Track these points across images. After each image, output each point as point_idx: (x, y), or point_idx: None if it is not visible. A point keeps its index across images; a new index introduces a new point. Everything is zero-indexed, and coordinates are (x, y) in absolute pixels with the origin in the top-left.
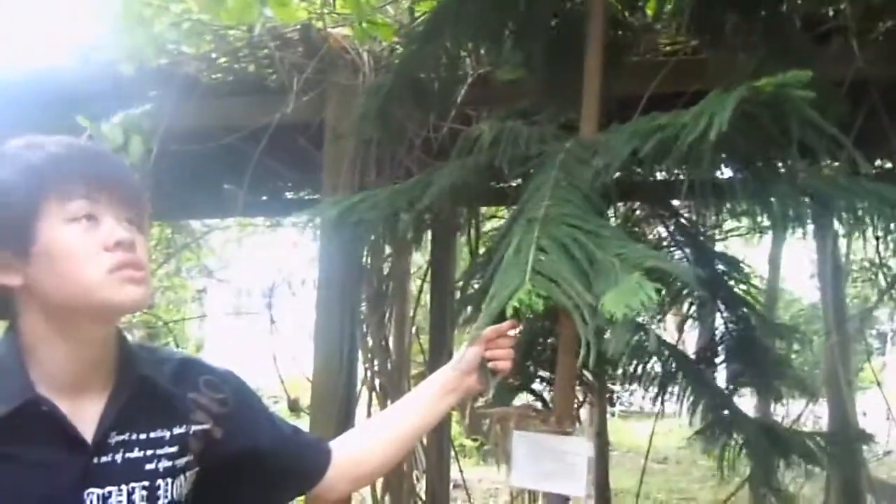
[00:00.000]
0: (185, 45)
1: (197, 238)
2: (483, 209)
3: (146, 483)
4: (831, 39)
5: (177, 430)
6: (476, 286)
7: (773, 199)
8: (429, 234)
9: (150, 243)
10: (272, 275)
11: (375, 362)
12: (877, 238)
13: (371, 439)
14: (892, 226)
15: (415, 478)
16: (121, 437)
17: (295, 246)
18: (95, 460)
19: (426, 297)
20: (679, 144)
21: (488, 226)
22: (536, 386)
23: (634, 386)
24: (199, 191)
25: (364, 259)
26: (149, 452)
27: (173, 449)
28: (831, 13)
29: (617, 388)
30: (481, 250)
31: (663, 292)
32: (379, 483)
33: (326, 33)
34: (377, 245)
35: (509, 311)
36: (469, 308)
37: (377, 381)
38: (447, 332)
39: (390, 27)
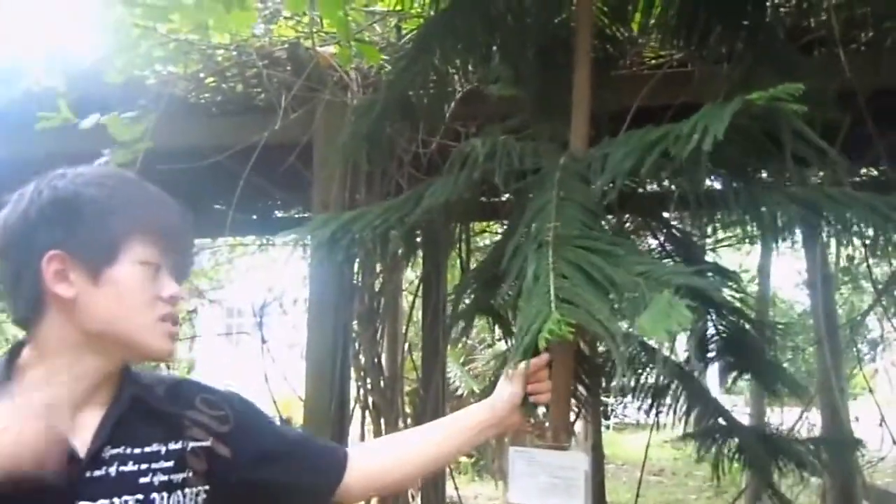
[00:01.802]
0: (173, 64)
1: None
2: (473, 224)
3: (140, 496)
4: (815, 49)
5: (173, 446)
6: (468, 301)
7: (763, 209)
8: (419, 250)
9: None
10: (263, 294)
11: (368, 380)
12: (864, 246)
13: (402, 453)
14: (880, 234)
15: (410, 495)
16: (115, 451)
17: (285, 265)
18: (88, 474)
19: (418, 314)
20: (675, 157)
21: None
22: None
23: (629, 398)
24: (189, 211)
25: (355, 276)
26: (143, 466)
27: (169, 464)
28: (814, 24)
29: (611, 400)
30: (472, 265)
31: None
32: (374, 500)
33: (314, 51)
34: (368, 262)
35: (542, 344)
36: (462, 323)
37: (370, 399)
38: (440, 348)
39: (376, 49)
